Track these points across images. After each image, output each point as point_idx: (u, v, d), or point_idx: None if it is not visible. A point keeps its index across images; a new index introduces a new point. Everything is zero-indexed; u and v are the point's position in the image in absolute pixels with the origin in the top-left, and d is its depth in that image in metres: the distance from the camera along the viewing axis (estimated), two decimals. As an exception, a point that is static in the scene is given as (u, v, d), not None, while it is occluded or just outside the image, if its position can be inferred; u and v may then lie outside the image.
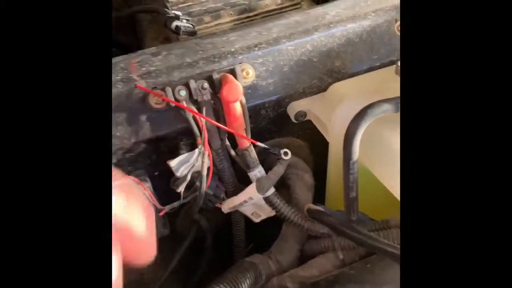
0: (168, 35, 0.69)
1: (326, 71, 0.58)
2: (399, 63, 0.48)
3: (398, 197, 0.48)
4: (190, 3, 0.62)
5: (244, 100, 0.51)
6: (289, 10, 0.69)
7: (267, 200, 0.53)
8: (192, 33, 0.58)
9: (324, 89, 0.58)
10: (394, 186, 0.50)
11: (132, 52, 0.76)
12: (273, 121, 0.60)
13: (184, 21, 0.56)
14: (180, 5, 0.62)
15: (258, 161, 0.53)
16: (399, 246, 0.43)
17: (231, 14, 0.66)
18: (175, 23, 0.55)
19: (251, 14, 0.67)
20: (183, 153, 0.56)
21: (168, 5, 0.62)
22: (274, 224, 0.60)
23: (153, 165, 0.56)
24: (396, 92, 0.43)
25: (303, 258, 0.57)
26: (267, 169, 0.55)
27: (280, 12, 0.69)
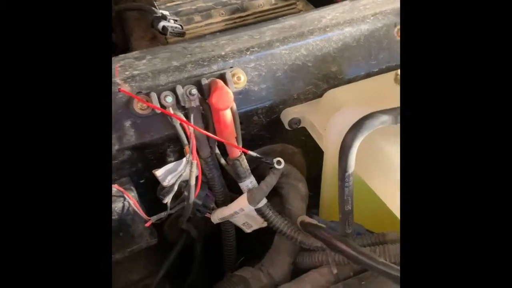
0: (156, 34, 0.66)
1: (321, 76, 0.55)
2: (399, 72, 0.46)
3: (394, 211, 0.46)
4: (179, 2, 0.59)
5: (235, 107, 0.49)
6: (284, 10, 0.67)
7: (259, 211, 0.50)
8: (180, 34, 0.55)
9: (320, 95, 0.56)
10: (390, 199, 0.48)
11: (121, 50, 0.74)
12: (265, 127, 0.57)
13: (172, 21, 0.53)
14: (168, 4, 0.59)
15: (249, 171, 0.50)
16: (394, 266, 0.41)
17: (222, 13, 0.63)
18: (162, 23, 0.52)
19: (243, 14, 0.64)
20: (171, 161, 0.54)
21: (155, 3, 0.59)
22: (265, 232, 0.58)
23: (138, 173, 0.53)
24: (395, 102, 0.40)
25: (295, 271, 0.55)
26: (259, 177, 0.53)
27: (274, 13, 0.66)
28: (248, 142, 0.56)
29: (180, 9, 0.59)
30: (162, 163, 0.53)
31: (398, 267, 0.40)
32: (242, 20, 0.64)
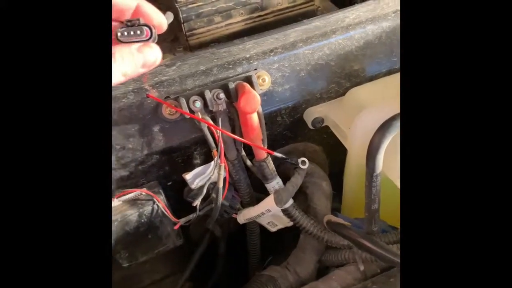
0: (177, 35, 0.67)
1: (344, 75, 0.55)
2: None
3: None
4: (200, 3, 0.59)
5: (260, 109, 0.49)
6: (302, 8, 0.67)
7: (285, 211, 0.51)
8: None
9: (342, 94, 0.56)
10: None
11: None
12: (289, 127, 0.58)
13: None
14: (190, 5, 0.59)
15: (275, 172, 0.51)
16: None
17: (242, 13, 0.63)
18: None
19: (263, 13, 0.64)
20: (197, 163, 0.55)
21: (177, 5, 0.60)
22: (288, 231, 0.59)
23: (166, 176, 0.54)
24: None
25: (321, 269, 0.56)
26: (282, 175, 0.53)
27: (292, 10, 0.66)
28: (271, 141, 0.56)
29: (201, 11, 0.59)
30: (188, 165, 0.54)
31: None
32: (262, 19, 0.64)
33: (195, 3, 0.60)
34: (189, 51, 0.63)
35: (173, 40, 0.66)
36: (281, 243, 0.66)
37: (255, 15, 0.64)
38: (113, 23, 0.39)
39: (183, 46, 0.64)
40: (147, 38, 0.37)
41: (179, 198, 0.55)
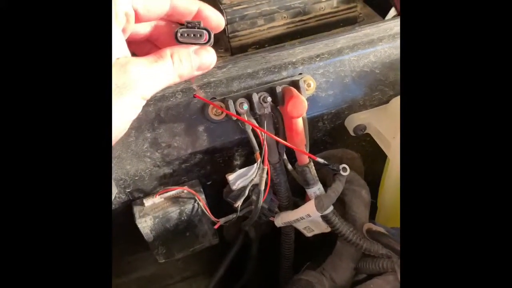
0: (218, 37, 0.67)
1: (388, 83, 0.55)
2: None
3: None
4: (245, 6, 0.60)
5: (305, 114, 0.49)
6: (344, 14, 0.66)
7: (325, 218, 0.51)
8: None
9: (385, 102, 0.56)
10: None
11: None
12: (329, 132, 0.58)
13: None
14: (235, 8, 0.60)
15: (317, 178, 0.51)
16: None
17: (284, 17, 0.63)
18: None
19: (305, 17, 0.64)
20: (237, 164, 0.55)
21: (221, 6, 0.60)
22: (319, 236, 0.58)
23: (206, 175, 0.54)
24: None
25: (356, 276, 0.55)
26: (319, 181, 0.53)
27: (334, 16, 0.66)
28: (310, 146, 0.56)
29: (245, 13, 0.60)
30: (228, 166, 0.55)
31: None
32: (304, 24, 0.64)
33: (240, 5, 0.60)
34: (231, 53, 0.63)
35: (214, 41, 0.67)
36: (312, 249, 0.66)
37: (297, 19, 0.64)
38: (173, 25, 0.40)
39: (224, 48, 0.65)
40: (205, 42, 0.37)
41: (216, 197, 0.56)
